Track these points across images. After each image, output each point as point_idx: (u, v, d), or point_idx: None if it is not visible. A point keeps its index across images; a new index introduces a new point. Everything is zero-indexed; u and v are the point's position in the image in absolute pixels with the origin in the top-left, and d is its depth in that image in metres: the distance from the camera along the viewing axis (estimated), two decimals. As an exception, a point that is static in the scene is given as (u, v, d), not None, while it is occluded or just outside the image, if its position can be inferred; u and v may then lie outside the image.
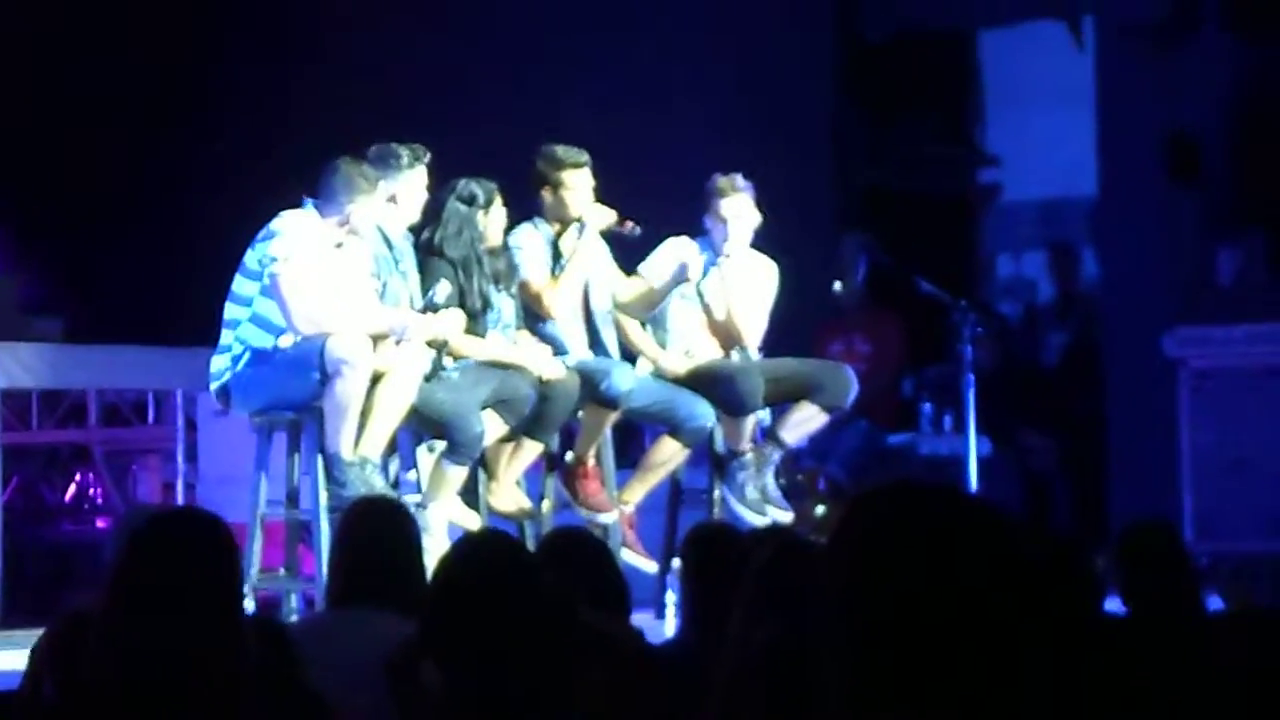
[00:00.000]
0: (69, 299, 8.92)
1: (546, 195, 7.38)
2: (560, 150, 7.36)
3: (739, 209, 7.55)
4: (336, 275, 6.83)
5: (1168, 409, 9.16)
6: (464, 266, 7.11)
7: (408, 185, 7.02)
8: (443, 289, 6.99)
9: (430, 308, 6.97)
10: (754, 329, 7.64)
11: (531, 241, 7.41)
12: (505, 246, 7.34)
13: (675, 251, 7.57)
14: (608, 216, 7.38)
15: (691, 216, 7.65)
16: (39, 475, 9.04)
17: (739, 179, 7.58)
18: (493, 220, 7.24)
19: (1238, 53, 9.34)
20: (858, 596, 2.31)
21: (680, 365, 7.55)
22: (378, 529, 4.75)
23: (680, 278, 7.41)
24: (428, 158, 7.03)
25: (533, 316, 7.40)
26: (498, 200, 7.25)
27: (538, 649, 3.45)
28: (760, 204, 7.61)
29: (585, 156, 7.35)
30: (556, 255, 7.41)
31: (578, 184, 7.34)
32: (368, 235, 6.92)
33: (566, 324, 7.44)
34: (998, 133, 10.80)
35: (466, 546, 3.79)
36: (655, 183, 7.48)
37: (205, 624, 3.60)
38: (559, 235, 7.40)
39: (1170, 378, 9.18)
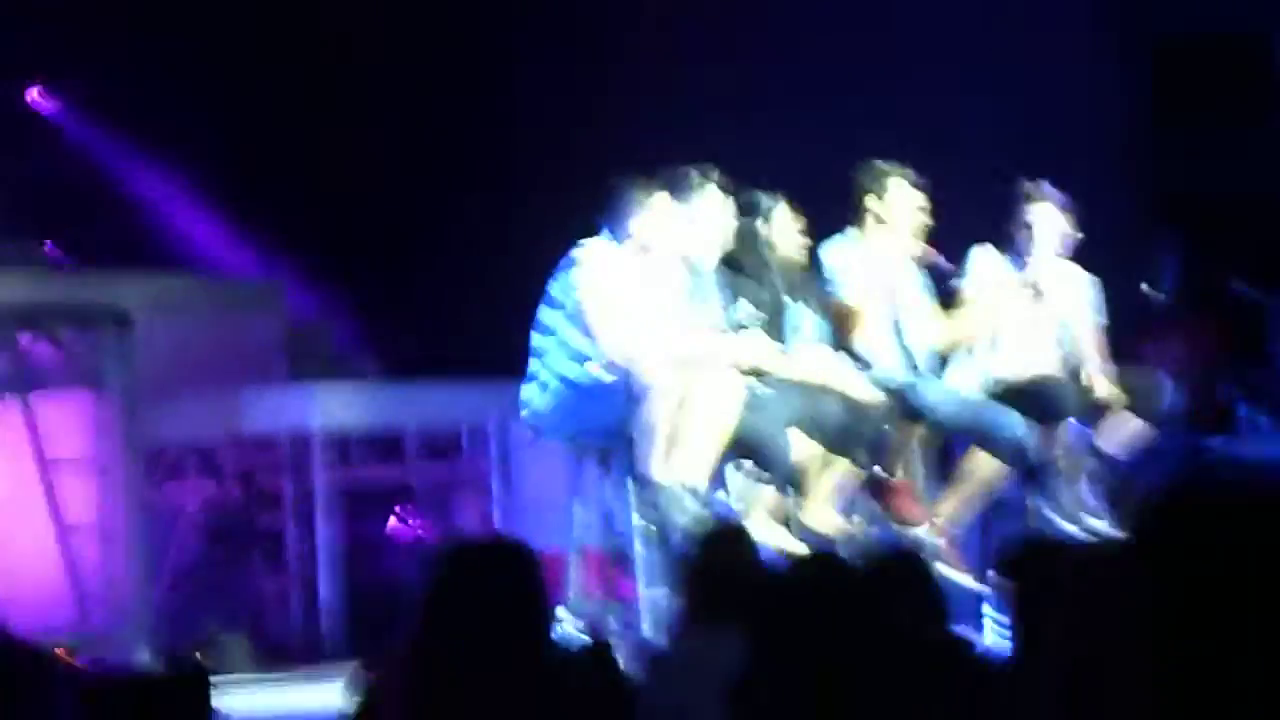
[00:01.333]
0: (381, 337, 9.13)
1: (871, 204, 7.35)
2: (884, 163, 7.35)
3: (1047, 215, 7.47)
4: (641, 300, 6.88)
5: None
6: (755, 278, 7.12)
7: (702, 207, 7.03)
8: (744, 308, 7.01)
9: (736, 328, 6.99)
10: (1085, 337, 7.57)
11: (843, 256, 7.39)
12: (809, 259, 7.34)
13: (988, 263, 7.51)
14: (917, 248, 7.34)
15: (995, 226, 7.58)
16: (361, 513, 9.24)
17: (1045, 185, 7.50)
18: (779, 231, 7.25)
19: None
20: (1169, 598, 2.30)
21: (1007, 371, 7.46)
22: (722, 554, 4.78)
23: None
24: (716, 175, 7.03)
25: (844, 332, 7.38)
26: (783, 210, 7.25)
27: (871, 672, 3.44)
28: (1071, 218, 7.52)
29: (911, 172, 7.33)
30: (872, 270, 7.39)
31: (900, 196, 7.32)
32: (664, 255, 6.94)
33: (877, 341, 7.41)
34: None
35: (798, 570, 3.80)
36: (957, 193, 7.41)
37: (516, 649, 3.62)
38: (878, 250, 7.37)
39: None
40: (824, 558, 4.73)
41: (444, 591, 3.66)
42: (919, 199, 7.35)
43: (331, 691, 4.66)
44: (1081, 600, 4.06)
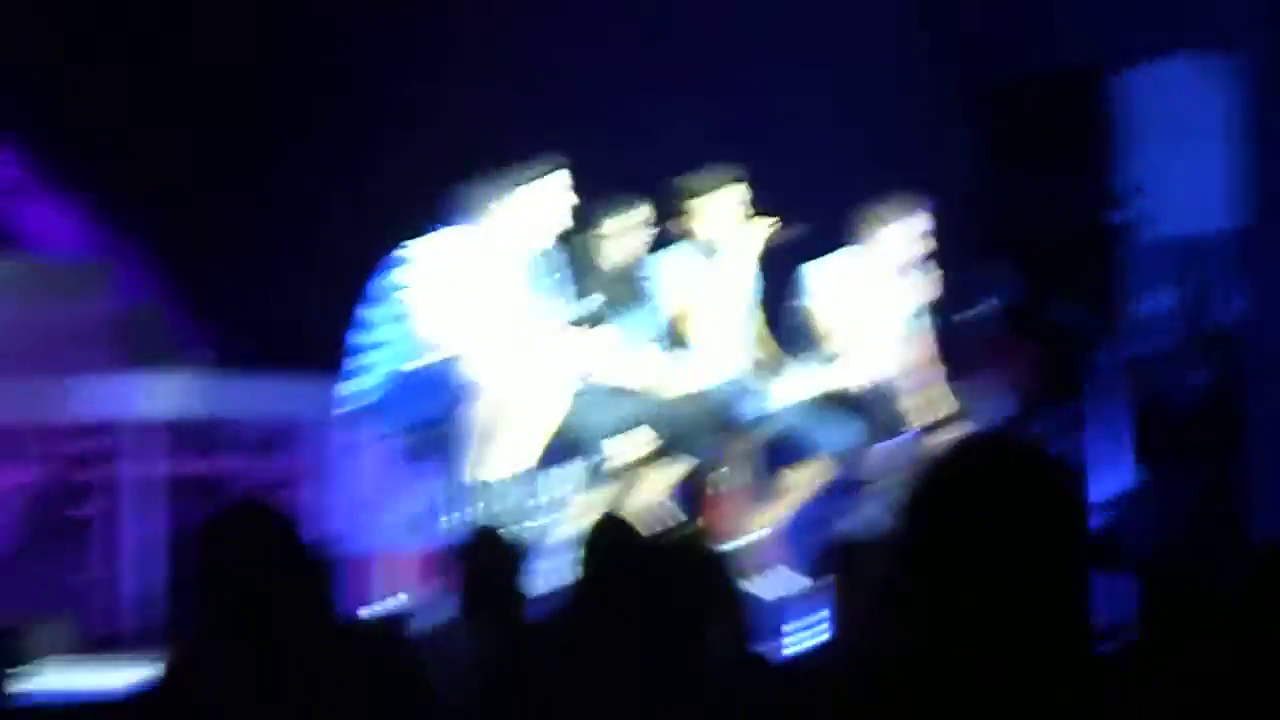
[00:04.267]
0: (212, 327, 9.04)
1: (690, 215, 7.42)
2: (704, 172, 7.41)
3: (889, 232, 7.58)
4: (473, 296, 6.89)
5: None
6: (595, 279, 7.17)
7: (541, 197, 7.05)
8: (587, 304, 7.05)
9: (577, 323, 7.02)
10: (919, 349, 7.68)
11: (671, 265, 7.45)
12: (641, 266, 7.39)
13: (823, 272, 7.59)
14: (757, 234, 7.40)
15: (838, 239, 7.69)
16: (185, 504, 9.12)
17: (890, 204, 7.61)
18: (617, 239, 7.30)
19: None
20: (936, 547, 2.44)
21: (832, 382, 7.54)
22: (488, 556, 4.86)
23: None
24: (558, 170, 7.05)
25: (676, 338, 7.43)
26: (625, 214, 7.31)
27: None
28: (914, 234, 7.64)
29: (730, 176, 7.39)
30: (702, 277, 7.45)
31: (723, 204, 7.38)
32: (507, 249, 6.97)
33: (709, 347, 7.47)
34: (1139, 168, 10.72)
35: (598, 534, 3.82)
36: (798, 211, 7.51)
37: (291, 622, 3.59)
38: (705, 257, 7.44)
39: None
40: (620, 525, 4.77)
41: (204, 562, 3.64)
42: (747, 205, 7.40)
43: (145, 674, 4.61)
44: (884, 594, 4.14)
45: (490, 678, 3.98)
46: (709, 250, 7.45)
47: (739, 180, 7.37)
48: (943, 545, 2.44)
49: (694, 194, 7.40)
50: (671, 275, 7.43)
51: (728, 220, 7.38)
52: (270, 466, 9.04)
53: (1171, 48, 10.25)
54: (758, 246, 7.42)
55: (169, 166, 9.08)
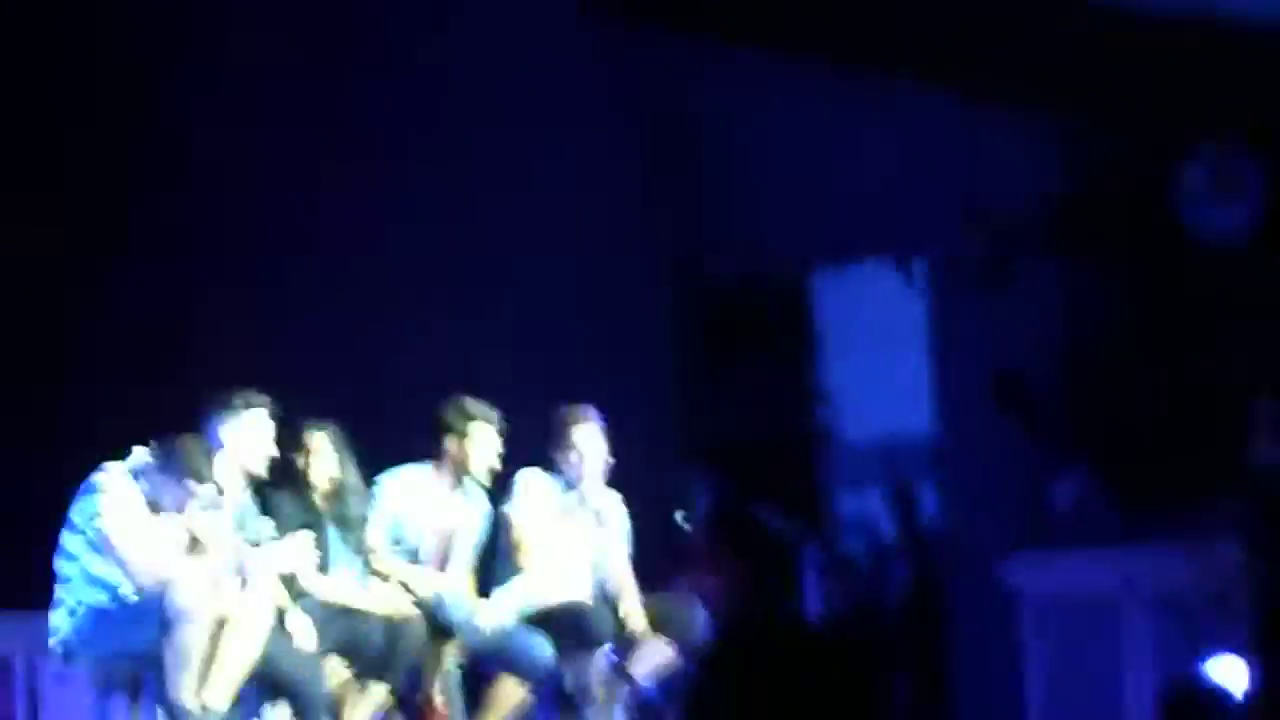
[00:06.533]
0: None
1: (451, 443, 7.46)
2: (471, 403, 7.48)
3: (591, 439, 7.65)
4: (162, 527, 6.84)
5: (1012, 638, 9.27)
6: (294, 500, 7.18)
7: (240, 431, 7.05)
8: (264, 526, 7.04)
9: (254, 544, 6.98)
10: (616, 562, 7.73)
11: (394, 485, 7.49)
12: (347, 490, 7.40)
13: (532, 484, 7.65)
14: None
15: (535, 452, 7.75)
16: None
17: (591, 410, 7.70)
18: (318, 462, 7.32)
19: (1060, 287, 9.62)
20: None
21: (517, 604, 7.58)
22: None
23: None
24: (262, 402, 7.07)
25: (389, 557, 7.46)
26: (323, 442, 7.33)
27: None
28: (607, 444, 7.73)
29: (495, 415, 7.48)
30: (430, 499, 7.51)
31: (482, 437, 7.44)
32: (208, 475, 6.92)
33: (424, 566, 7.50)
34: (835, 374, 11.00)
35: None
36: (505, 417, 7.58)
37: None
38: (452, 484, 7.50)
39: (1013, 608, 9.30)
40: None
41: None
42: (497, 444, 7.50)
43: None
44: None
45: None
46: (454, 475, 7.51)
47: (491, 419, 7.46)
48: None
49: (452, 425, 7.47)
50: (392, 495, 7.46)
51: (477, 454, 7.44)
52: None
53: (864, 255, 10.58)
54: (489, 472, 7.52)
55: None
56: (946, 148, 9.75)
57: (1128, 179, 9.46)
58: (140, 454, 6.89)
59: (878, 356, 10.67)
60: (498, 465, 7.58)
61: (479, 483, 7.59)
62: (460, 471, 7.56)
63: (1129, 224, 9.38)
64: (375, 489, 7.49)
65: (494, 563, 7.67)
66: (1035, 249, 9.59)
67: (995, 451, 9.71)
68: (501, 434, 7.55)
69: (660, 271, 10.46)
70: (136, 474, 6.85)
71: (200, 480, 6.78)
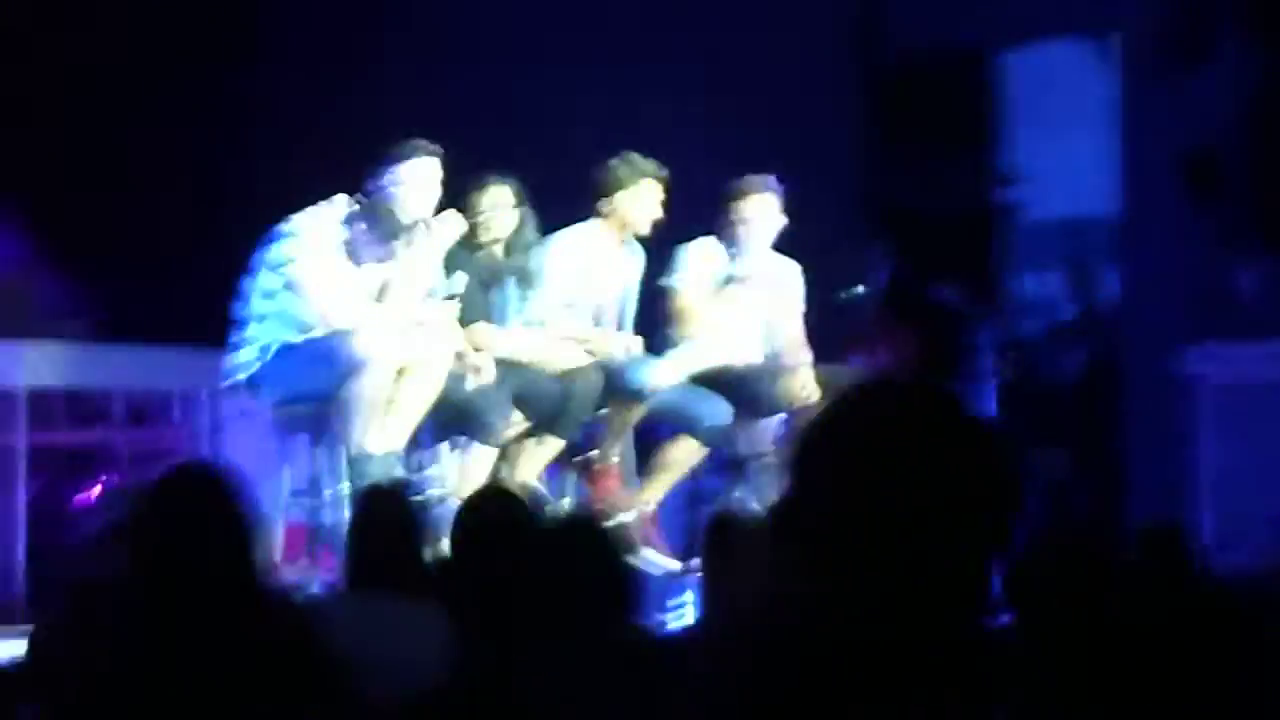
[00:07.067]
0: (95, 299, 8.96)
1: (617, 200, 7.42)
2: (637, 159, 7.42)
3: (765, 209, 7.60)
4: (355, 271, 6.89)
5: (1187, 425, 9.18)
6: (474, 253, 7.21)
7: (422, 175, 7.03)
8: (458, 280, 7.08)
9: (448, 298, 7.04)
10: (789, 331, 7.71)
11: (572, 244, 7.47)
12: (526, 245, 7.40)
13: (703, 254, 7.63)
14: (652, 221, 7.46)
15: (713, 220, 7.71)
16: (63, 477, 9.04)
17: (771, 179, 7.64)
18: (498, 218, 7.31)
19: (1257, 66, 9.38)
20: (842, 473, 2.19)
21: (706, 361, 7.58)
22: (380, 515, 4.81)
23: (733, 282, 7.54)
24: (436, 149, 7.04)
25: (562, 317, 7.47)
26: (502, 190, 7.31)
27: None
28: (785, 207, 7.67)
29: (660, 169, 7.42)
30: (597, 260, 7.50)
31: (648, 193, 7.40)
32: (394, 223, 6.95)
33: (591, 326, 7.52)
34: (1019, 151, 10.84)
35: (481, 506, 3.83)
36: (677, 188, 7.53)
37: (225, 580, 3.62)
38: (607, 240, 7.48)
39: (1190, 395, 9.20)
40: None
41: (147, 515, 3.65)
42: (661, 196, 7.45)
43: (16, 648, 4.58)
44: (752, 570, 4.17)
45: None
46: (619, 232, 7.48)
47: (658, 174, 7.40)
48: (844, 485, 2.17)
49: (621, 181, 7.41)
50: (564, 256, 7.45)
51: (642, 209, 7.41)
52: (143, 438, 8.97)
53: (1053, 32, 10.36)
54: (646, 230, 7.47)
55: (42, 136, 8.97)
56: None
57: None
58: (341, 201, 6.93)
59: (1063, 134, 10.49)
60: (661, 218, 7.50)
61: (641, 237, 7.54)
62: (626, 228, 7.51)
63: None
64: (547, 249, 7.48)
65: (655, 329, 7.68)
66: (1231, 27, 9.35)
67: (1179, 236, 9.55)
68: (666, 187, 7.48)
69: (845, 43, 10.33)
70: (339, 220, 6.90)
71: (396, 236, 6.83)
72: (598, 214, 7.48)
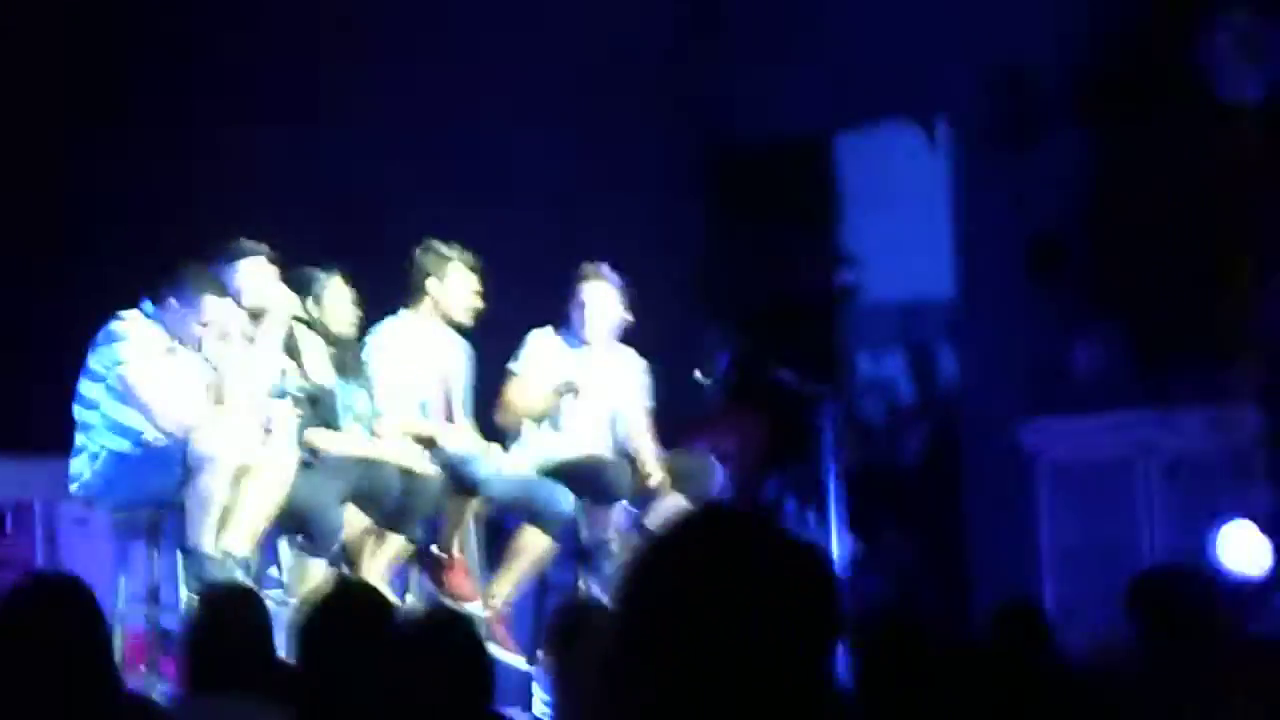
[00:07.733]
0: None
1: (430, 288, 7.41)
2: (445, 245, 7.42)
3: (602, 294, 7.62)
4: (184, 373, 6.84)
5: (1028, 502, 9.27)
6: (291, 355, 7.16)
7: (251, 279, 7.02)
8: (292, 378, 7.03)
9: (280, 396, 6.98)
10: (633, 419, 7.71)
11: (393, 336, 7.44)
12: (357, 337, 7.37)
13: (543, 345, 7.63)
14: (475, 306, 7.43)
15: (552, 308, 7.71)
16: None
17: (604, 267, 7.67)
18: (331, 309, 7.28)
19: (1086, 147, 9.54)
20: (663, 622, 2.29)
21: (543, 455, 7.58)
22: (228, 616, 4.73)
23: (568, 390, 7.51)
24: (265, 249, 7.04)
25: (397, 409, 7.42)
26: (336, 286, 7.29)
27: None
28: (624, 302, 7.69)
29: (470, 256, 7.42)
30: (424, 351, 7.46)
31: (460, 280, 7.40)
32: (223, 327, 6.91)
33: (435, 418, 7.48)
34: (857, 234, 10.95)
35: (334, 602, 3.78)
36: (515, 277, 7.52)
37: (91, 690, 3.55)
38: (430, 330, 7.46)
39: (1029, 471, 9.30)
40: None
41: (4, 629, 3.58)
42: (475, 283, 7.45)
43: None
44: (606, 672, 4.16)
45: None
46: (430, 322, 7.46)
47: (473, 260, 7.40)
48: (673, 621, 2.27)
49: (428, 269, 7.40)
50: (385, 350, 7.42)
51: (459, 295, 7.40)
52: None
53: (887, 115, 10.49)
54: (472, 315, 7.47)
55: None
56: (972, 6, 9.64)
57: (1155, 41, 9.35)
58: (153, 298, 6.88)
59: (900, 217, 10.60)
60: (479, 305, 7.49)
61: (460, 326, 7.53)
62: (442, 316, 7.49)
63: (1155, 86, 9.28)
64: (368, 344, 7.44)
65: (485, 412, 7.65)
66: (1060, 110, 9.51)
67: (1014, 314, 9.67)
68: (477, 272, 7.47)
69: (682, 129, 10.40)
70: (153, 316, 6.85)
71: (216, 296, 6.77)
72: (409, 305, 7.47)
